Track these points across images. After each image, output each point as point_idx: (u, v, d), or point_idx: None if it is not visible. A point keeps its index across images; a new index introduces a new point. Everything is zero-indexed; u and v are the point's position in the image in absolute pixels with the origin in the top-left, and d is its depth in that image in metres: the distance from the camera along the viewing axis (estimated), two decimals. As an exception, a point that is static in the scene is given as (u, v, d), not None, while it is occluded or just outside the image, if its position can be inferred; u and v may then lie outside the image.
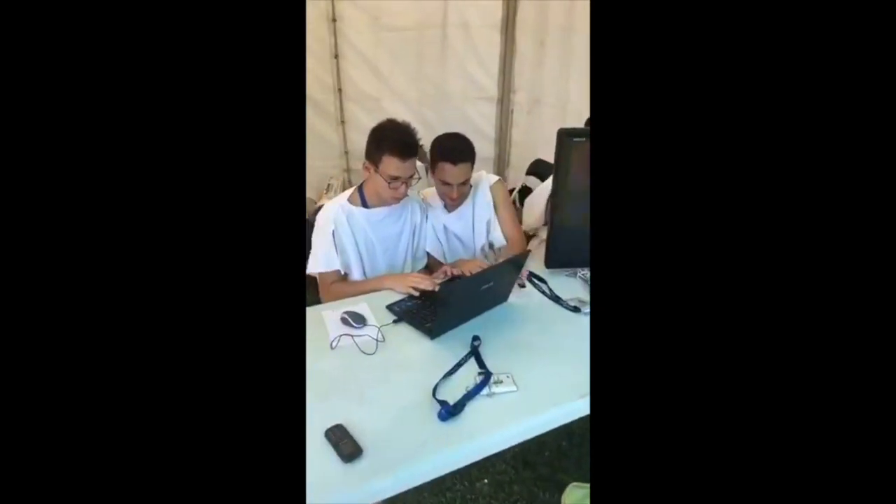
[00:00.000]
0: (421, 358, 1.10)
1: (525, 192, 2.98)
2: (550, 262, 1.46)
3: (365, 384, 1.00)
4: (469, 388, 0.96)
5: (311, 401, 0.94)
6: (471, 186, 1.60)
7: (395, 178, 1.37)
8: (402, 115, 2.95)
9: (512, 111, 3.23)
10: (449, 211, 1.64)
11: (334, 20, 2.74)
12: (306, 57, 2.74)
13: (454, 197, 1.52)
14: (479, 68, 3.09)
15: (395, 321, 1.24)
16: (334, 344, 1.12)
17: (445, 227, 1.65)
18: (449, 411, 0.89)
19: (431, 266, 1.68)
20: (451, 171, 1.47)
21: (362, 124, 3.03)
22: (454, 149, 1.47)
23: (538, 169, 2.87)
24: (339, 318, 1.23)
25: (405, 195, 1.44)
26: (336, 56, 2.82)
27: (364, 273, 1.53)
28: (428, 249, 1.65)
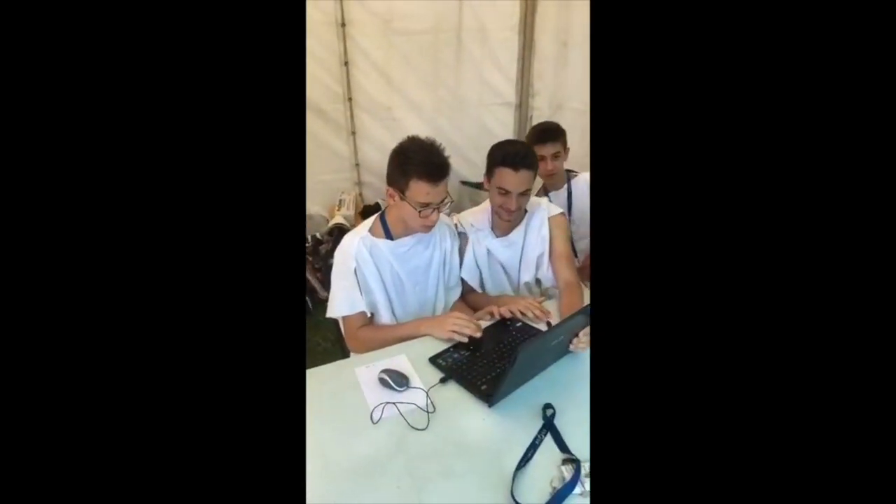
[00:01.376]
0: (482, 432, 0.91)
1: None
2: None
3: (422, 479, 0.80)
4: (555, 486, 0.77)
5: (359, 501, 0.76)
6: (525, 211, 1.41)
7: (426, 206, 1.17)
8: (415, 124, 2.83)
9: (531, 117, 3.08)
10: (497, 234, 1.44)
11: (343, 25, 2.56)
12: (314, 65, 2.59)
13: (512, 209, 1.32)
14: (497, 72, 2.93)
15: (442, 380, 1.05)
16: (376, 417, 0.93)
17: (489, 252, 1.45)
18: (538, 523, 0.70)
19: (465, 295, 1.48)
20: (511, 178, 1.28)
21: (374, 135, 2.86)
22: (515, 154, 1.28)
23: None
24: (376, 377, 1.04)
25: (436, 222, 1.24)
26: (346, 63, 2.64)
27: (393, 313, 1.34)
28: (464, 276, 1.45)
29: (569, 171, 1.87)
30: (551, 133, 1.74)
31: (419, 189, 1.15)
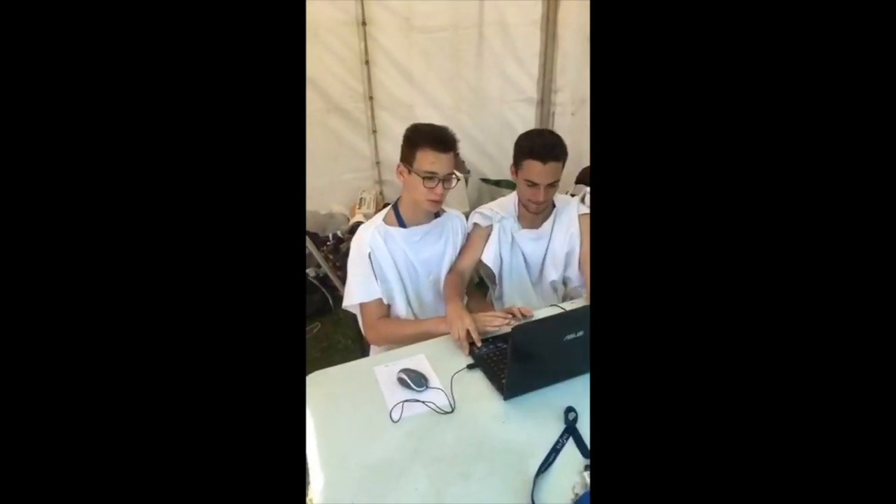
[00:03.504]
0: (503, 435, 0.89)
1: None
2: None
3: (441, 481, 0.79)
4: (577, 492, 0.74)
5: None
6: (554, 206, 1.39)
7: (432, 176, 1.18)
8: (436, 121, 2.78)
9: (553, 113, 3.02)
10: (523, 225, 1.41)
11: (364, 24, 2.56)
12: (335, 64, 2.60)
13: (540, 200, 1.29)
14: (518, 69, 2.89)
15: (469, 366, 1.05)
16: (395, 416, 0.93)
17: (514, 241, 1.42)
18: (559, 530, 0.68)
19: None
20: (539, 170, 1.25)
21: (395, 134, 2.83)
22: (543, 145, 1.26)
23: (588, 178, 2.64)
24: (395, 377, 1.03)
25: (442, 198, 1.22)
26: (366, 62, 2.64)
27: (408, 301, 1.33)
28: (487, 261, 1.41)
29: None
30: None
31: (425, 157, 1.17)
